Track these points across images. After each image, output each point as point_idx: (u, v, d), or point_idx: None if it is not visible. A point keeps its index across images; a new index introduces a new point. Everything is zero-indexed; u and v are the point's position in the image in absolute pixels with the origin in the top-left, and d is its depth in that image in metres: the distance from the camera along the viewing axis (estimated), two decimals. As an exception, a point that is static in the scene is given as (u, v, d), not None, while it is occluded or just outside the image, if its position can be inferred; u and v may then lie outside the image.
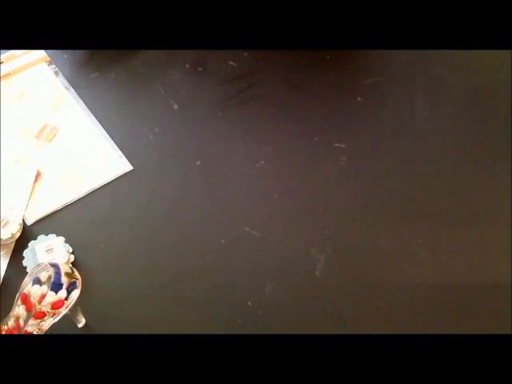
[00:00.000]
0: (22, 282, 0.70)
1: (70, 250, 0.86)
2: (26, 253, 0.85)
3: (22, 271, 0.83)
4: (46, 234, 0.87)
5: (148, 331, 0.80)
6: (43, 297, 0.66)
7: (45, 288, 0.66)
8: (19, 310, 0.68)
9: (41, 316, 0.67)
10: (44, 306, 0.66)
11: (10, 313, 0.70)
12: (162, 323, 0.82)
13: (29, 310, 0.67)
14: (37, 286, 0.67)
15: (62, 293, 0.67)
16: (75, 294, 0.69)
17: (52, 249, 0.84)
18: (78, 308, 0.77)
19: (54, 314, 0.68)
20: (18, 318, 0.68)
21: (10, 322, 0.69)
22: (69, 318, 0.77)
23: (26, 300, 0.68)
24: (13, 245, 0.87)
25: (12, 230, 0.85)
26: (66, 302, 0.68)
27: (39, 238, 0.86)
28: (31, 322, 0.67)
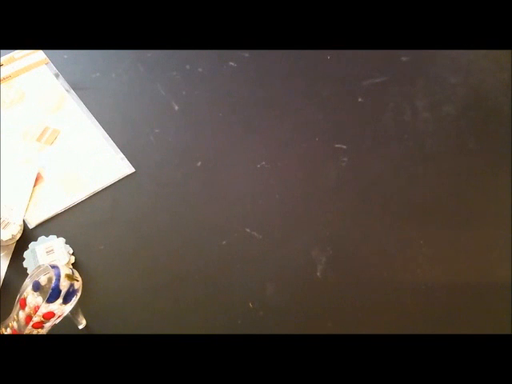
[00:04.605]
0: (22, 284, 0.70)
1: (71, 251, 0.86)
2: (26, 254, 0.85)
3: (23, 272, 0.83)
4: (47, 235, 0.87)
5: (148, 331, 0.80)
6: (37, 307, 0.66)
7: (40, 299, 0.66)
8: (18, 317, 0.68)
9: (39, 326, 0.67)
10: (38, 315, 0.66)
11: (10, 315, 0.70)
12: (163, 323, 0.82)
13: (27, 322, 0.67)
14: (31, 297, 0.67)
15: (55, 305, 0.66)
16: (68, 307, 0.68)
17: (52, 250, 0.84)
18: (79, 309, 0.77)
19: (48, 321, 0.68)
20: (17, 325, 0.68)
21: (9, 329, 0.69)
22: (70, 320, 0.77)
23: (24, 307, 0.68)
24: (13, 246, 0.87)
25: (12, 231, 0.85)
26: (56, 313, 0.67)
27: (40, 239, 0.86)
28: (29, 328, 0.67)
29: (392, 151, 1.02)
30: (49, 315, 0.66)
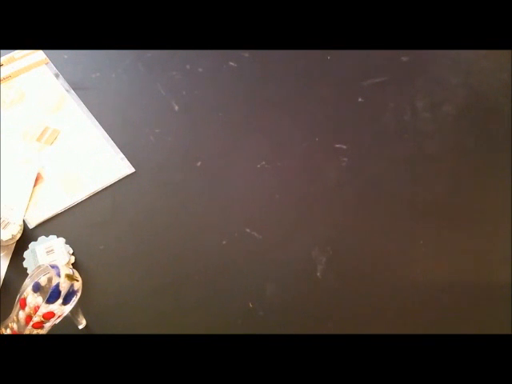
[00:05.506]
0: (22, 284, 0.70)
1: (71, 251, 0.86)
2: (26, 254, 0.84)
3: (23, 272, 0.83)
4: (47, 235, 0.87)
5: (148, 331, 0.80)
6: (37, 308, 0.66)
7: (40, 299, 0.66)
8: (18, 318, 0.68)
9: (39, 326, 0.67)
10: (38, 316, 0.66)
11: (10, 315, 0.70)
12: (163, 323, 0.82)
13: (27, 322, 0.67)
14: (31, 297, 0.67)
15: (55, 305, 0.66)
16: (68, 308, 0.68)
17: (52, 250, 0.84)
18: (79, 309, 0.77)
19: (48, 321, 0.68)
20: (17, 326, 0.68)
21: (9, 329, 0.69)
22: (70, 320, 0.77)
23: (24, 307, 0.68)
24: (13, 246, 0.87)
25: (12, 231, 0.85)
26: (56, 313, 0.67)
27: (40, 239, 0.86)
28: (29, 328, 0.67)
29: (392, 151, 1.02)
30: (49, 315, 0.66)
